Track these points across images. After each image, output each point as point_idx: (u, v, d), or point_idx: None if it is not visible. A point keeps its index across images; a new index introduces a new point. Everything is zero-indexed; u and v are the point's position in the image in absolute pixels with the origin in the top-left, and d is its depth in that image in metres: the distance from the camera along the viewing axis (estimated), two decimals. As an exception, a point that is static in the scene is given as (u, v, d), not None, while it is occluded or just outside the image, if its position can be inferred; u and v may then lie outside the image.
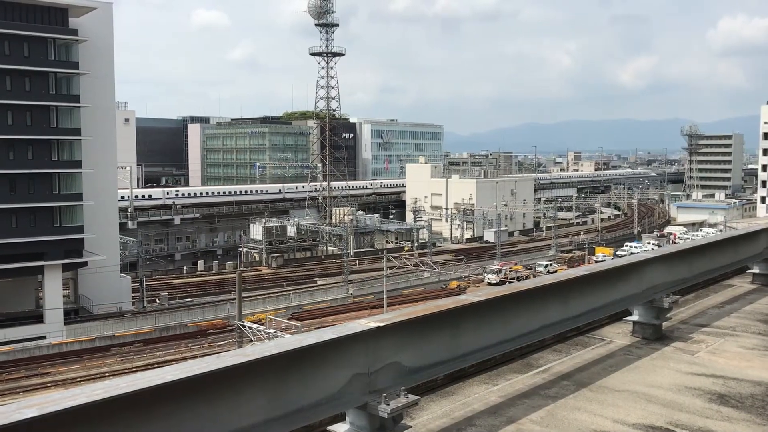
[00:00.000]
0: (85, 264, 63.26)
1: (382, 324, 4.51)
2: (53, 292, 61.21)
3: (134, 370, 46.34)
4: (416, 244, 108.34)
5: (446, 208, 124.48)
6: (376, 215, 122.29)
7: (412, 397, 4.51)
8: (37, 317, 60.80)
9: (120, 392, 3.12)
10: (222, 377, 3.58)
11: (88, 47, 62.39)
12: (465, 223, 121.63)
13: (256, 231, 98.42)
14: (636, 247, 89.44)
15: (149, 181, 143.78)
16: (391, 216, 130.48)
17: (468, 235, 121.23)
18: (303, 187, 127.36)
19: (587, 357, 7.03)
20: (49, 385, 46.67)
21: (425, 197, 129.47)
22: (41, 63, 59.48)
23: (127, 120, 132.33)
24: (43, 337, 57.23)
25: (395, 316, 4.74)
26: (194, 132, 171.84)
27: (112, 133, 67.80)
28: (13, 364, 52.04)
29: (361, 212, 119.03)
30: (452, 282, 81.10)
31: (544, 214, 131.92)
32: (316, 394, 4.09)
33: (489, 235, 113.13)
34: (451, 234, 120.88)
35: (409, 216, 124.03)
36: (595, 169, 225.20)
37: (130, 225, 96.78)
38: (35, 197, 59.05)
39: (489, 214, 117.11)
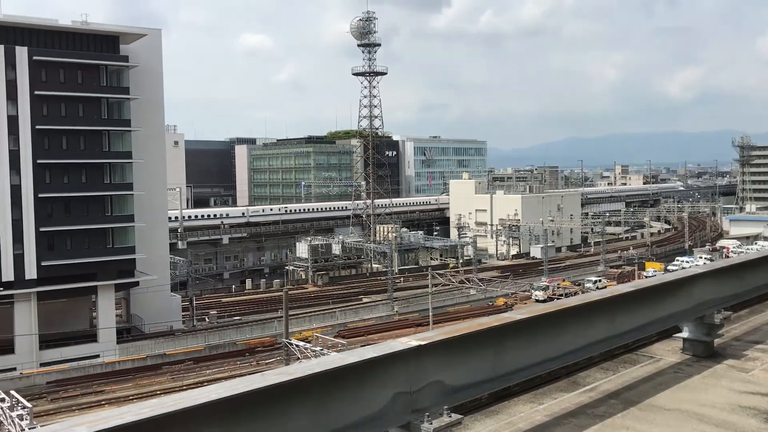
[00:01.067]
0: (136, 284, 64.60)
1: (423, 342, 4.51)
2: (106, 311, 62.64)
3: (185, 388, 47.00)
4: (461, 261, 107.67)
5: (491, 224, 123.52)
6: (421, 232, 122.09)
7: (455, 416, 4.49)
8: (91, 336, 62.18)
9: (166, 411, 3.19)
10: (265, 395, 3.62)
11: (139, 73, 64.12)
12: (511, 239, 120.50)
13: (302, 249, 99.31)
14: (687, 262, 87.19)
15: (198, 202, 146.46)
16: (435, 233, 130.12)
17: (514, 251, 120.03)
18: (270, 209, 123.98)
19: (636, 375, 6.88)
20: (103, 402, 47.70)
21: (469, 213, 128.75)
22: (94, 89, 61.34)
23: (176, 142, 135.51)
24: (97, 356, 58.54)
25: (437, 335, 4.74)
26: (241, 153, 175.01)
27: (162, 156, 69.39)
28: (69, 382, 53.40)
29: (405, 229, 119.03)
30: (499, 299, 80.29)
31: (592, 229, 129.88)
32: (358, 412, 4.10)
33: (536, 251, 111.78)
34: (497, 250, 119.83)
35: (454, 233, 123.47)
36: (644, 183, 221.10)
37: (180, 245, 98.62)
38: (89, 219, 60.64)
39: (535, 229, 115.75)
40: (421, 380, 4.45)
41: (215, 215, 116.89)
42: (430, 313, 66.57)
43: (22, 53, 57.57)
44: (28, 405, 30.81)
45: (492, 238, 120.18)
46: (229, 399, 3.47)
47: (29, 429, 28.29)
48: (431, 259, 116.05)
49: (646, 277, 69.87)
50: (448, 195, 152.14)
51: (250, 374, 4.02)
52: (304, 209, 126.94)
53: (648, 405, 6.02)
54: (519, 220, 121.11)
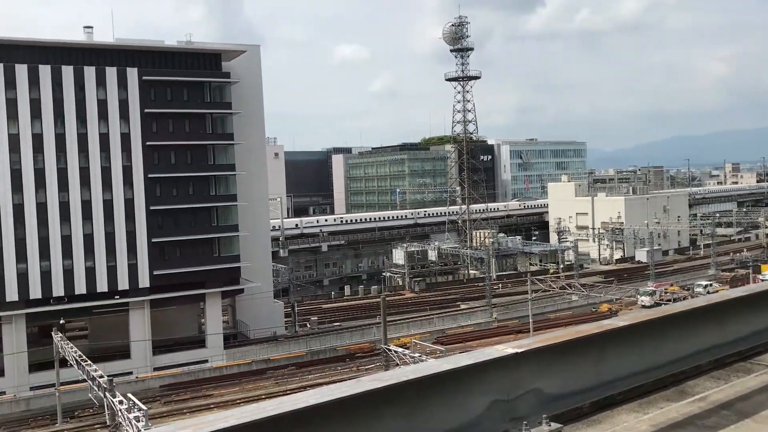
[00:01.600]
0: (241, 291, 66.96)
1: (520, 350, 4.46)
2: (214, 318, 65.21)
3: (288, 392, 48.19)
4: (562, 266, 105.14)
5: (593, 228, 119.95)
6: (519, 237, 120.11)
7: (554, 425, 4.40)
8: (200, 342, 64.92)
9: (266, 414, 3.30)
10: (361, 401, 3.68)
11: (239, 88, 66.58)
12: (614, 242, 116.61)
13: (398, 256, 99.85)
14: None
15: (298, 211, 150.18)
16: (534, 237, 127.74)
17: (618, 255, 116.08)
18: (326, 220, 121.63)
19: (750, 385, 6.50)
20: (211, 406, 49.66)
21: (569, 217, 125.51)
22: (198, 105, 64.19)
23: (276, 154, 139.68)
24: (206, 361, 61.03)
25: (534, 342, 4.67)
26: (338, 162, 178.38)
27: (263, 168, 71.73)
28: (180, 386, 56.00)
29: (502, 234, 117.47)
30: (603, 305, 77.88)
31: (701, 230, 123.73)
32: (454, 419, 4.09)
33: (641, 255, 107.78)
34: (599, 254, 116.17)
35: (553, 237, 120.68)
36: (757, 181, 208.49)
37: (282, 253, 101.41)
38: (196, 230, 63.44)
39: (640, 232, 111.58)
40: (518, 388, 4.40)
41: None
42: (530, 320, 65.33)
43: (132, 74, 61.02)
44: (144, 407, 32.46)
45: (594, 241, 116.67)
46: (327, 404, 3.54)
47: (145, 430, 29.83)
48: (530, 264, 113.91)
49: (762, 280, 65.94)
50: (517, 201, 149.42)
51: (349, 380, 4.09)
52: (358, 219, 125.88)
53: (764, 417, 5.68)
54: (622, 222, 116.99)
